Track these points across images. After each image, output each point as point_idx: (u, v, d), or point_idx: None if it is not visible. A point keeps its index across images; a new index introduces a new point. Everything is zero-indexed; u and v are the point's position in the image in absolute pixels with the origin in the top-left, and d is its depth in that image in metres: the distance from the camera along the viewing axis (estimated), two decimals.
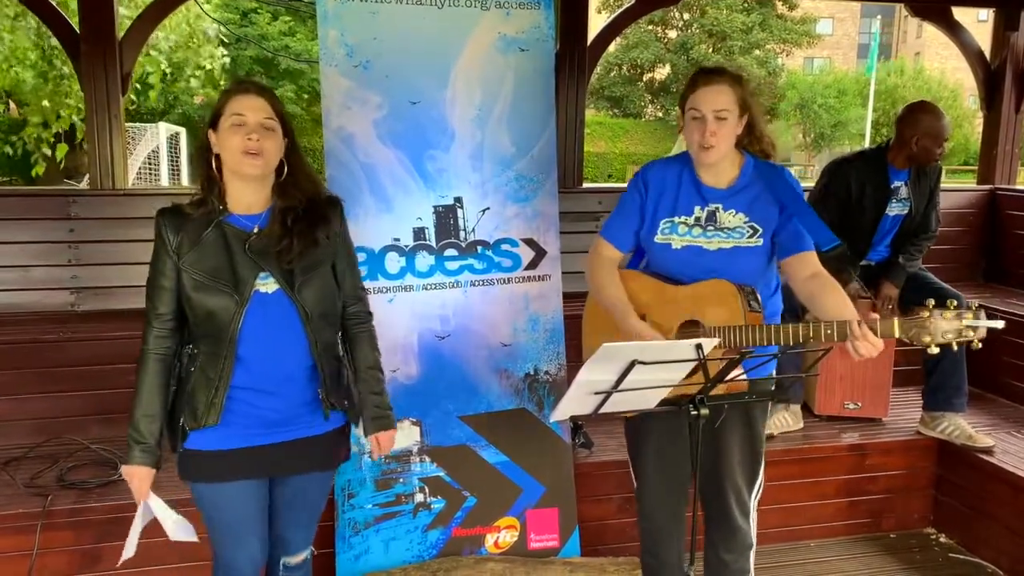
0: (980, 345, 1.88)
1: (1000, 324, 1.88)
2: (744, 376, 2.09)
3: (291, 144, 2.06)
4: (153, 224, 2.02)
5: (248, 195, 2.04)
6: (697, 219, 2.30)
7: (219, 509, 2.11)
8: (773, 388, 2.39)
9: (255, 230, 2.03)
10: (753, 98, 2.29)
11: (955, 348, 1.90)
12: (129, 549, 2.18)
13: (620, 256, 2.43)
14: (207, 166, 2.02)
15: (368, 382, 2.23)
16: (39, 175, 11.02)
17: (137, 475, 2.05)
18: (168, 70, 11.30)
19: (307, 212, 2.07)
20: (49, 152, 10.38)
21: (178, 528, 2.15)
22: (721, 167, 2.30)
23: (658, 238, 2.33)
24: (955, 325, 1.87)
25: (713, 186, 2.31)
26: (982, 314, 1.87)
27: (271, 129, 1.99)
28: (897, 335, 1.94)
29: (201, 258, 1.98)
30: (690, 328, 2.25)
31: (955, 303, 1.90)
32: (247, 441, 2.05)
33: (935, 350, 1.90)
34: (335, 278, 2.13)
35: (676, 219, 2.32)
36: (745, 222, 2.28)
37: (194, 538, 2.18)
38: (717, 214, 2.29)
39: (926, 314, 1.89)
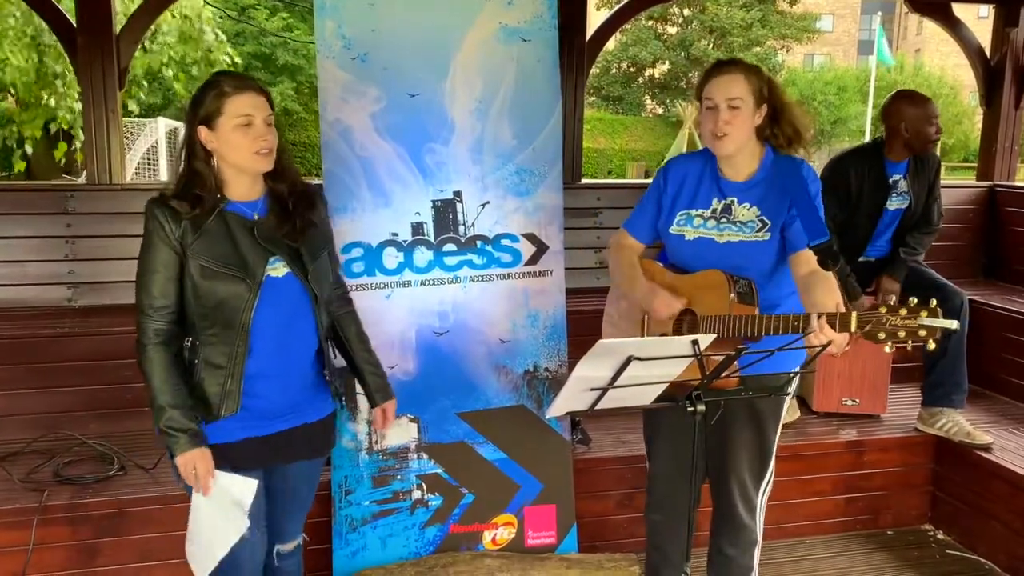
0: (934, 346, 1.82)
1: (954, 325, 1.83)
2: (738, 372, 2.08)
3: (278, 131, 2.10)
4: (145, 215, 2.00)
5: (246, 184, 2.06)
6: (713, 211, 2.32)
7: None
8: (791, 384, 2.34)
9: (255, 217, 2.05)
10: (774, 87, 2.28)
11: (910, 348, 1.86)
12: (216, 552, 2.06)
13: (640, 246, 2.47)
14: (194, 159, 2.01)
15: (366, 356, 2.32)
16: (20, 171, 11.01)
17: (198, 458, 1.99)
18: (172, 61, 11.27)
19: (301, 195, 2.11)
20: (30, 150, 10.39)
21: (247, 492, 2.06)
22: (740, 159, 2.30)
23: (673, 229, 2.36)
24: (909, 324, 1.84)
25: (732, 179, 2.33)
26: (938, 314, 1.83)
27: (272, 125, 2.03)
28: (852, 330, 1.90)
29: (209, 246, 1.98)
30: (686, 317, 2.27)
31: (914, 301, 1.85)
32: (252, 431, 2.06)
33: (889, 349, 1.87)
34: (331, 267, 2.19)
35: (693, 211, 2.34)
36: (757, 216, 2.29)
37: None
38: (732, 207, 2.31)
39: (883, 310, 1.87)
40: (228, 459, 2.05)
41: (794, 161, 2.31)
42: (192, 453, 1.98)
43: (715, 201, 2.33)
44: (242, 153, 1.99)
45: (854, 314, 1.92)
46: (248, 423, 2.05)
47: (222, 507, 2.05)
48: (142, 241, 2.01)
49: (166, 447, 2.00)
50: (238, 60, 12.73)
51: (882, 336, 1.86)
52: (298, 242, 2.06)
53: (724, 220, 2.30)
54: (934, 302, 1.84)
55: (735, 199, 2.31)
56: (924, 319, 1.81)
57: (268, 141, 2.00)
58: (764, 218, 2.28)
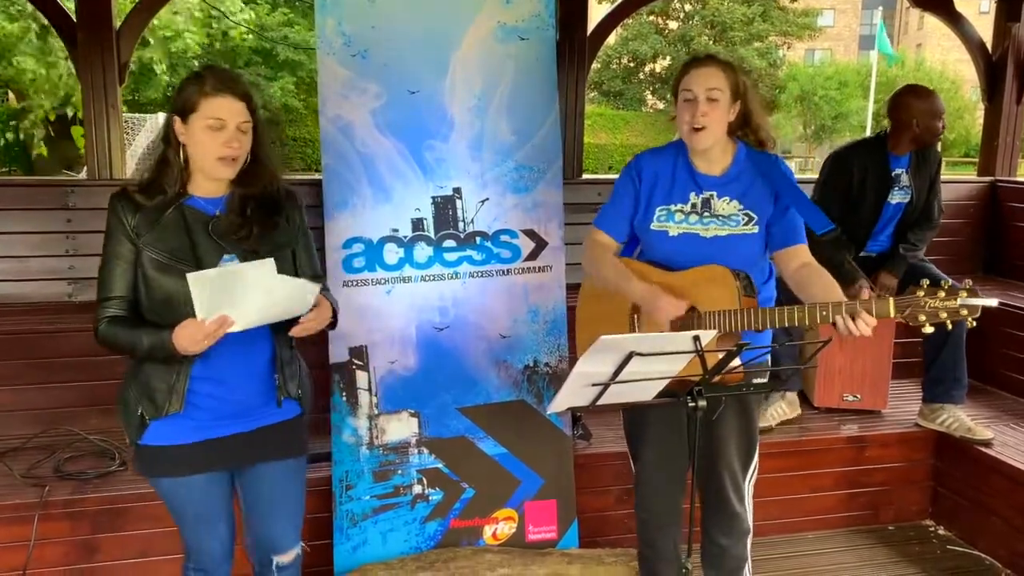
0: (974, 324, 1.89)
1: (993, 302, 1.90)
2: (740, 367, 2.08)
3: (257, 134, 2.04)
4: (108, 208, 1.98)
5: (211, 180, 2.03)
6: (693, 206, 2.30)
7: (185, 502, 2.09)
8: (767, 379, 2.38)
9: (216, 214, 2.03)
10: (748, 88, 2.30)
11: (949, 327, 1.92)
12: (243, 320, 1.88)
13: (615, 245, 2.44)
14: (168, 147, 1.99)
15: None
16: (42, 155, 10.95)
17: (186, 329, 1.86)
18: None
19: (263, 201, 2.06)
20: (44, 132, 10.36)
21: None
22: (713, 154, 2.30)
23: (654, 225, 2.33)
24: (949, 304, 1.89)
25: (707, 173, 2.32)
26: (976, 293, 1.89)
27: (246, 132, 1.99)
28: (892, 314, 1.95)
29: (161, 238, 1.96)
30: (686, 314, 2.24)
31: (948, 283, 1.93)
32: (207, 433, 2.03)
33: (929, 329, 1.92)
34: (294, 264, 2.11)
35: (672, 207, 2.32)
36: (740, 210, 2.28)
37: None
38: (712, 201, 2.30)
39: (920, 293, 1.91)
40: (188, 462, 2.03)
41: (769, 156, 2.32)
42: (180, 332, 1.87)
43: (693, 196, 2.31)
44: (206, 155, 1.96)
45: (891, 300, 1.94)
46: (203, 423, 2.02)
47: (250, 291, 1.87)
48: (104, 233, 2.00)
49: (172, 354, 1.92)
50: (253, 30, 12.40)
51: (922, 318, 1.91)
52: (255, 246, 2.01)
53: (706, 215, 2.29)
54: (969, 282, 1.91)
55: (714, 193, 2.30)
56: (965, 298, 1.86)
57: (233, 149, 1.95)
58: (749, 212, 2.28)
